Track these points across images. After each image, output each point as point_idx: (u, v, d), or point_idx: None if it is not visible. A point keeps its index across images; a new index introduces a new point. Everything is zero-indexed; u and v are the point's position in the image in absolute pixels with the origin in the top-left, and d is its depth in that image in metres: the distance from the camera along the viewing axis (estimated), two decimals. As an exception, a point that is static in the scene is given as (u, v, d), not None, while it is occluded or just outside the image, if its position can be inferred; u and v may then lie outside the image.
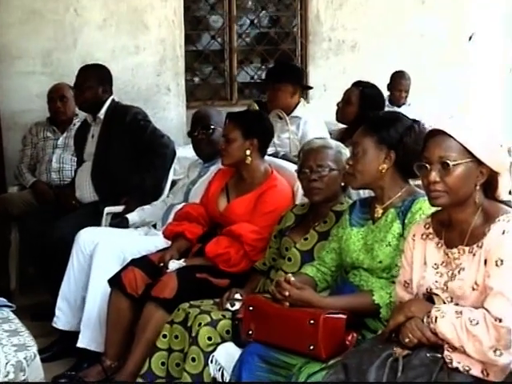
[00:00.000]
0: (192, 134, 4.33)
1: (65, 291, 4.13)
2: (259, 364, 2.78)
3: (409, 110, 5.92)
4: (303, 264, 3.20)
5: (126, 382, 3.44)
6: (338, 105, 4.44)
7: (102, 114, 4.72)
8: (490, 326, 2.27)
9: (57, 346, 4.08)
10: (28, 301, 4.70)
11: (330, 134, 4.94)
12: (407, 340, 2.39)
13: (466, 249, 2.41)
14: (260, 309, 2.87)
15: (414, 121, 2.90)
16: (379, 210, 2.91)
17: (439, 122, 2.43)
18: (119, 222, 4.42)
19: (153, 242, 4.05)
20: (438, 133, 2.41)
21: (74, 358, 3.98)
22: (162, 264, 3.74)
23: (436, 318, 2.35)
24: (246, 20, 6.73)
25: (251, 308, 2.90)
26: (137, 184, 4.56)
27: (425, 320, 2.38)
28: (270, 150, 4.20)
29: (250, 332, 2.88)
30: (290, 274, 2.88)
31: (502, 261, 2.31)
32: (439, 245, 2.49)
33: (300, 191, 3.74)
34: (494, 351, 2.26)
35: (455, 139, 2.37)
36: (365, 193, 3.38)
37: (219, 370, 3.05)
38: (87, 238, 4.11)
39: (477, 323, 2.29)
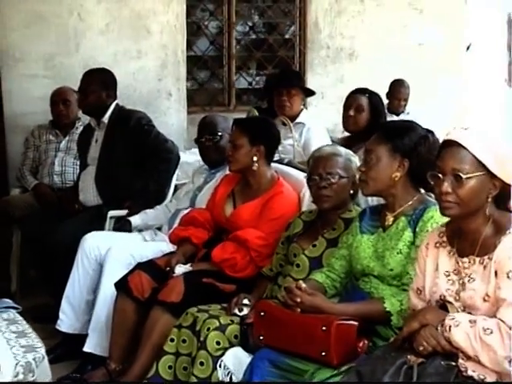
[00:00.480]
0: (199, 140, 4.36)
1: (69, 295, 4.16)
2: (270, 369, 2.80)
3: (407, 118, 5.94)
4: (311, 270, 3.23)
5: (135, 383, 3.46)
6: (348, 113, 4.43)
7: (106, 118, 4.74)
8: (505, 336, 2.28)
9: (60, 349, 4.10)
10: (29, 303, 4.69)
11: (333, 141, 4.97)
12: (422, 348, 2.39)
13: (477, 259, 2.44)
14: (271, 314, 2.89)
15: (428, 130, 2.94)
16: (390, 218, 2.94)
17: (454, 132, 2.45)
18: (122, 224, 4.45)
19: (161, 247, 4.06)
20: (452, 143, 2.43)
21: (78, 361, 4.00)
22: (168, 268, 3.75)
23: (450, 326, 2.36)
24: (244, 26, 6.75)
25: (262, 313, 2.92)
26: (140, 188, 4.58)
27: (439, 328, 2.39)
28: (274, 157, 4.22)
29: (261, 337, 2.90)
30: (301, 281, 2.91)
31: None
32: (451, 253, 2.51)
33: (306, 198, 3.78)
34: (509, 361, 2.27)
35: (469, 151, 2.39)
36: (373, 200, 3.42)
37: (227, 374, 3.08)
38: (93, 242, 4.14)
39: (491, 332, 2.30)
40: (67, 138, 5.37)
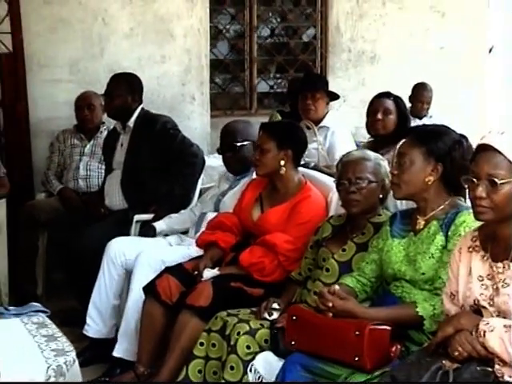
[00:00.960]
0: (221, 149, 4.38)
1: (95, 300, 4.18)
2: (302, 373, 2.81)
3: (430, 121, 5.93)
4: (341, 275, 3.23)
5: (170, 382, 3.46)
6: (376, 117, 4.43)
7: (131, 122, 4.77)
8: None
9: (88, 352, 4.11)
10: (54, 306, 4.72)
11: (357, 145, 4.98)
12: (457, 353, 2.38)
13: (511, 264, 2.43)
14: (304, 319, 2.90)
15: (461, 135, 2.93)
16: (421, 222, 2.94)
17: (489, 136, 2.45)
18: (146, 230, 4.46)
19: (189, 252, 4.07)
20: (487, 148, 2.42)
21: (106, 364, 4.02)
22: (196, 272, 3.77)
23: (484, 331, 2.35)
24: (265, 30, 6.76)
25: (294, 318, 2.93)
26: (166, 192, 4.61)
27: (473, 334, 2.38)
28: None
29: (293, 342, 2.91)
30: (336, 285, 2.91)
31: None
32: (485, 258, 2.50)
33: (334, 202, 3.78)
34: None
35: (505, 156, 2.39)
36: (402, 204, 3.42)
37: (258, 378, 3.09)
38: (118, 248, 4.16)
39: None
40: (92, 142, 5.39)
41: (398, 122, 4.43)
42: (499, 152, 2.40)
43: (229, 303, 3.50)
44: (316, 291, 3.21)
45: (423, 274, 2.85)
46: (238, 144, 4.27)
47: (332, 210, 3.77)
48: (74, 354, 2.92)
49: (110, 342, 4.05)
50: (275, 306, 3.37)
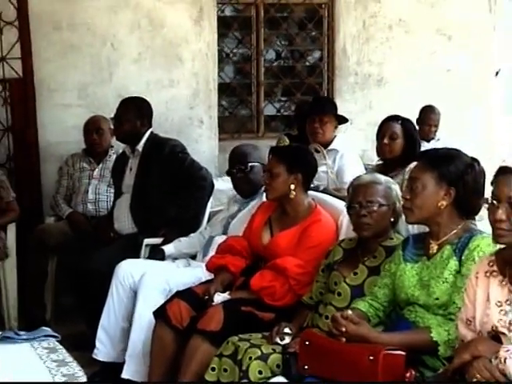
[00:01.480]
0: (230, 172, 4.39)
1: (104, 323, 4.18)
2: (316, 398, 2.81)
3: (438, 144, 5.92)
4: (353, 299, 3.22)
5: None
6: (382, 141, 4.45)
7: (140, 146, 4.79)
8: None
9: (99, 377, 4.10)
10: (63, 331, 4.71)
11: (366, 168, 4.98)
12: (475, 380, 2.36)
13: None
14: (317, 344, 2.89)
15: (473, 159, 2.93)
16: (434, 246, 2.93)
17: (510, 159, 2.44)
18: (155, 253, 4.46)
19: (195, 274, 4.08)
20: (507, 171, 2.42)
21: (116, 388, 4.02)
22: (206, 297, 3.76)
23: (505, 358, 2.32)
24: (271, 53, 6.79)
25: (307, 342, 2.92)
26: (175, 216, 4.61)
27: (493, 361, 2.35)
28: (310, 185, 4.24)
29: (306, 367, 2.90)
30: (349, 310, 2.90)
31: None
32: (503, 282, 2.49)
33: (344, 225, 3.77)
34: None
35: None
36: (414, 228, 3.41)
37: (271, 403, 3.08)
38: (127, 270, 4.17)
39: None
40: (100, 166, 5.40)
41: (405, 145, 4.44)
42: None
43: (240, 328, 3.48)
44: (328, 315, 3.20)
45: (437, 298, 2.84)
46: (249, 164, 4.28)
47: (342, 234, 3.76)
48: (84, 378, 2.92)
49: (120, 366, 4.03)
50: (287, 330, 3.35)
